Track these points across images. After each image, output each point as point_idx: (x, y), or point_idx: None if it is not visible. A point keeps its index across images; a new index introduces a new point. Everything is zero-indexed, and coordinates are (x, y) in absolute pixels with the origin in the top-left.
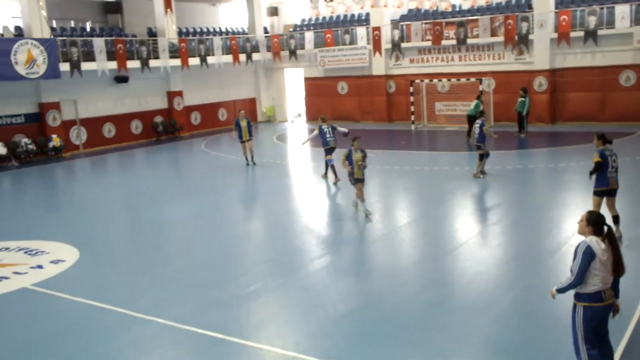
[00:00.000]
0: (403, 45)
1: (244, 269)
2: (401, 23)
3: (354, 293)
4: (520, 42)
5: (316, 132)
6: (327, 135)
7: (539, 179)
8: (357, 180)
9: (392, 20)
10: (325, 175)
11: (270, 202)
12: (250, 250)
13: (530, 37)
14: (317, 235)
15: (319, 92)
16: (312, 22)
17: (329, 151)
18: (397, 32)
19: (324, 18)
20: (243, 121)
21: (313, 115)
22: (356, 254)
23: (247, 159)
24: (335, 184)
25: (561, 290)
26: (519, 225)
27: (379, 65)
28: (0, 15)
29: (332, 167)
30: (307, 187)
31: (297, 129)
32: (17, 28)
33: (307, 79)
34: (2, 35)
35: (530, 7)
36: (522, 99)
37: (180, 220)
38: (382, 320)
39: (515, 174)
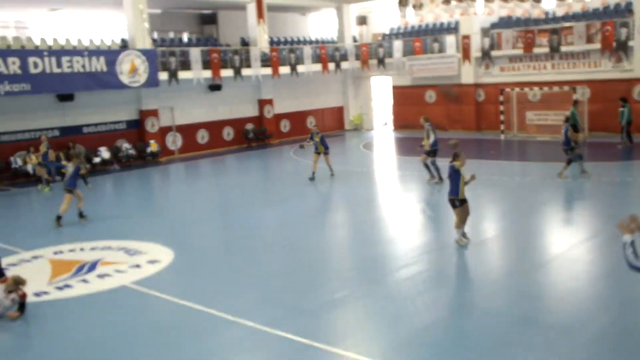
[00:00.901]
0: (493, 53)
1: (331, 275)
2: (492, 31)
3: (441, 304)
4: (619, 49)
5: (434, 133)
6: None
7: (638, 192)
8: (462, 202)
9: (482, 28)
10: (440, 179)
11: (356, 209)
12: (337, 256)
13: (630, 43)
14: (403, 243)
15: (407, 101)
16: (401, 31)
17: (436, 152)
18: (487, 40)
19: (412, 27)
20: (317, 137)
21: (400, 123)
22: (443, 264)
23: (313, 172)
24: (441, 180)
25: (629, 258)
26: (616, 240)
27: (468, 74)
28: (109, 29)
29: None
30: (394, 195)
31: (383, 137)
32: (123, 40)
33: (395, 87)
34: (110, 47)
35: (630, 12)
36: (622, 109)
37: (269, 226)
38: (468, 333)
39: (612, 187)
